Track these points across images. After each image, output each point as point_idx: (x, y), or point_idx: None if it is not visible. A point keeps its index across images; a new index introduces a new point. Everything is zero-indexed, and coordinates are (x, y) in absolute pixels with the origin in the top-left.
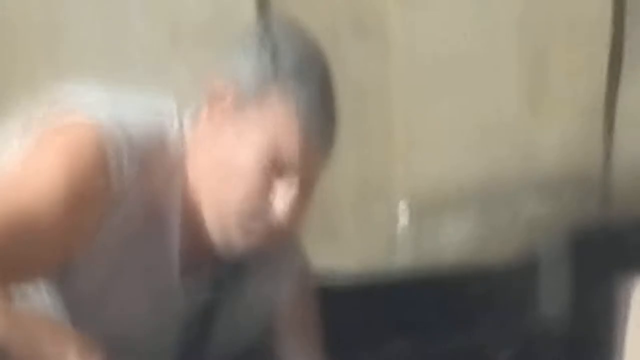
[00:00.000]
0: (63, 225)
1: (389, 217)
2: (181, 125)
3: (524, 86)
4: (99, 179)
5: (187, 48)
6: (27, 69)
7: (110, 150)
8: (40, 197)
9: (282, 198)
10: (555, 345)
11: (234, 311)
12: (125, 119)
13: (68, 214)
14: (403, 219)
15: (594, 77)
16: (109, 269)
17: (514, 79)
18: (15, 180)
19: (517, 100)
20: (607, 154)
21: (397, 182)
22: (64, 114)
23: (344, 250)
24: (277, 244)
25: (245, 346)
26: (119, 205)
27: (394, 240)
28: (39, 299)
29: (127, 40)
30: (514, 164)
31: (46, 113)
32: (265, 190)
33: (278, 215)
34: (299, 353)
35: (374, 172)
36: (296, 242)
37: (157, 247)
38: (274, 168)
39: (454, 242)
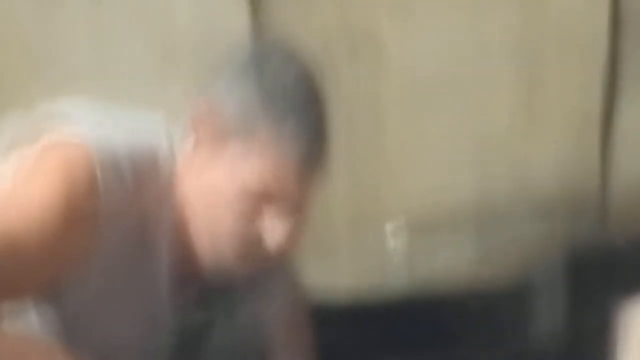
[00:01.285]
0: (52, 247)
1: (382, 238)
2: (172, 146)
3: (519, 105)
4: (89, 202)
5: (179, 66)
6: (17, 86)
7: (100, 172)
8: (30, 219)
9: (273, 227)
10: None
11: (225, 333)
12: (115, 140)
13: (57, 236)
14: (397, 240)
15: (590, 95)
16: (98, 291)
17: (508, 97)
18: (6, 199)
19: (512, 119)
20: (603, 173)
21: (390, 202)
22: (54, 134)
23: (337, 270)
24: (269, 266)
25: None
26: (109, 227)
27: (388, 261)
28: (28, 318)
29: (119, 58)
30: (508, 183)
31: (36, 132)
32: (254, 219)
33: (269, 243)
34: None
35: (368, 192)
36: (288, 263)
37: (146, 269)
38: (263, 198)
39: (448, 263)
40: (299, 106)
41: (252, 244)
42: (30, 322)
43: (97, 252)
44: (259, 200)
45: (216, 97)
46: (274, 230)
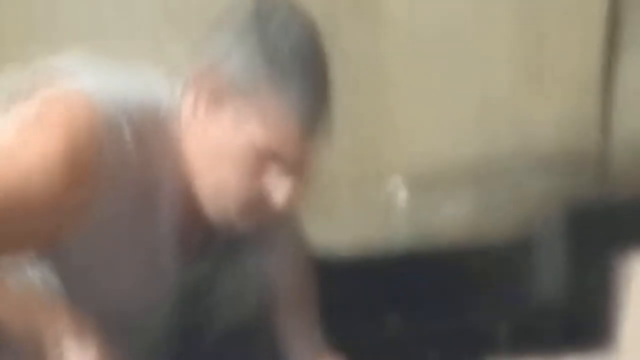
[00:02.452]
0: (54, 201)
1: (385, 194)
2: (174, 101)
3: (521, 63)
4: (91, 155)
5: (180, 24)
6: (17, 44)
7: (104, 125)
8: (35, 172)
9: (277, 184)
10: (552, 320)
11: (230, 286)
12: (119, 94)
13: (60, 189)
14: (399, 196)
15: (591, 53)
16: (101, 245)
17: (510, 55)
18: (8, 153)
19: (513, 77)
20: (604, 130)
21: (393, 159)
22: (57, 87)
23: (340, 227)
24: (274, 221)
25: (242, 321)
26: (112, 180)
27: (391, 217)
28: (32, 273)
29: (122, 16)
30: (510, 140)
31: (39, 86)
32: (257, 176)
33: (272, 200)
34: (296, 327)
35: (371, 149)
36: (293, 218)
37: (152, 222)
38: (266, 155)
39: (450, 219)
40: (301, 64)
41: (254, 201)
42: (32, 277)
43: (99, 206)
44: (262, 157)
45: (218, 55)
46: (276, 187)
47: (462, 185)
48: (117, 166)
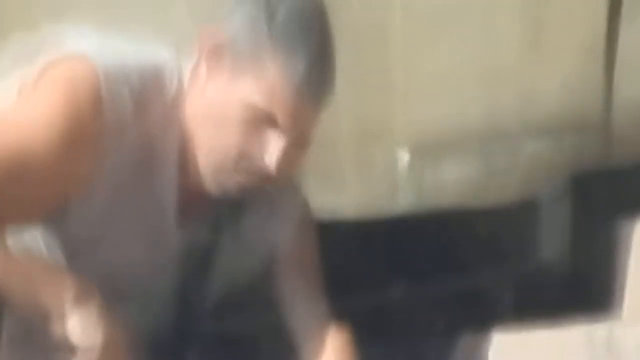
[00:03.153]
0: (57, 166)
1: (389, 160)
2: (177, 67)
3: (524, 28)
4: (94, 120)
5: None
6: (20, 10)
7: (106, 90)
8: (36, 137)
9: (272, 149)
10: (556, 286)
11: (232, 251)
12: (121, 60)
13: (64, 153)
14: (403, 161)
15: (594, 19)
16: (103, 211)
17: (513, 21)
18: (10, 119)
19: (517, 43)
20: (608, 96)
21: (397, 124)
22: (59, 54)
23: (344, 192)
24: (274, 186)
25: (244, 286)
26: (114, 146)
27: (394, 183)
28: (34, 239)
29: None
30: (514, 105)
31: (42, 51)
32: (252, 137)
33: (268, 165)
34: (298, 293)
35: (374, 114)
36: (295, 184)
37: (152, 188)
38: (262, 116)
39: (454, 183)
40: (302, 28)
41: (247, 162)
42: (35, 243)
43: (102, 171)
44: (257, 118)
45: (225, 22)
46: (269, 149)
47: (465, 149)
48: (118, 130)
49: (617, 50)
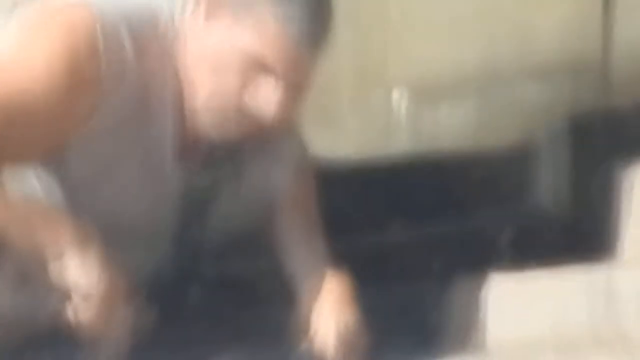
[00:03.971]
0: (56, 108)
1: (386, 103)
2: (173, 12)
3: None
4: (92, 62)
5: None
6: None
7: (103, 33)
8: (36, 79)
9: (270, 97)
10: (554, 230)
11: (232, 195)
12: (119, 4)
13: (61, 97)
14: (400, 105)
15: None
16: (104, 152)
17: None
18: (9, 61)
19: None
20: (606, 36)
21: (394, 68)
22: None
23: (341, 136)
24: (273, 132)
25: (245, 229)
26: (114, 87)
27: (392, 124)
28: (34, 184)
29: None
30: (511, 47)
31: None
32: (250, 85)
33: (265, 112)
34: (298, 236)
35: (371, 59)
36: (294, 128)
37: (150, 133)
38: (260, 65)
39: (452, 128)
40: None
41: (245, 110)
42: (33, 188)
43: (101, 113)
44: (255, 66)
45: None
46: (267, 98)
47: (462, 92)
48: (117, 73)
49: None
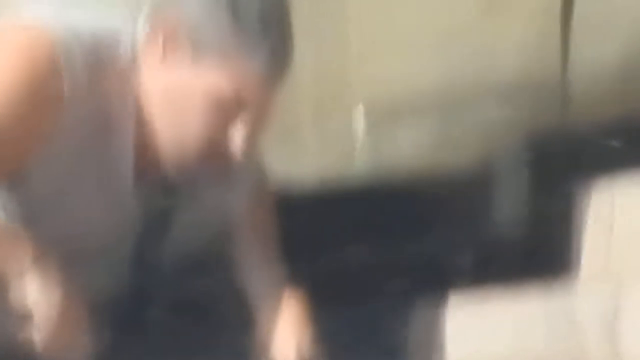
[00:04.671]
0: (16, 127)
1: (346, 123)
2: (133, 35)
3: None
4: (52, 82)
5: None
6: None
7: (62, 54)
8: None
9: (239, 134)
10: (513, 251)
11: (189, 216)
12: (77, 26)
13: (21, 116)
14: (361, 125)
15: None
16: (61, 175)
17: None
18: None
19: (474, 4)
20: (565, 57)
21: (354, 88)
22: (16, 20)
23: (302, 155)
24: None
25: (203, 251)
26: (73, 109)
27: (352, 146)
28: None
29: None
30: (471, 69)
31: None
32: (218, 123)
33: (233, 146)
34: (257, 258)
35: (332, 78)
36: (254, 153)
37: (111, 153)
38: (228, 103)
39: (412, 148)
40: (268, 13)
41: (213, 147)
42: None
43: (60, 135)
44: (223, 105)
45: (186, 8)
46: (236, 134)
47: (423, 115)
48: (77, 93)
49: (573, 11)
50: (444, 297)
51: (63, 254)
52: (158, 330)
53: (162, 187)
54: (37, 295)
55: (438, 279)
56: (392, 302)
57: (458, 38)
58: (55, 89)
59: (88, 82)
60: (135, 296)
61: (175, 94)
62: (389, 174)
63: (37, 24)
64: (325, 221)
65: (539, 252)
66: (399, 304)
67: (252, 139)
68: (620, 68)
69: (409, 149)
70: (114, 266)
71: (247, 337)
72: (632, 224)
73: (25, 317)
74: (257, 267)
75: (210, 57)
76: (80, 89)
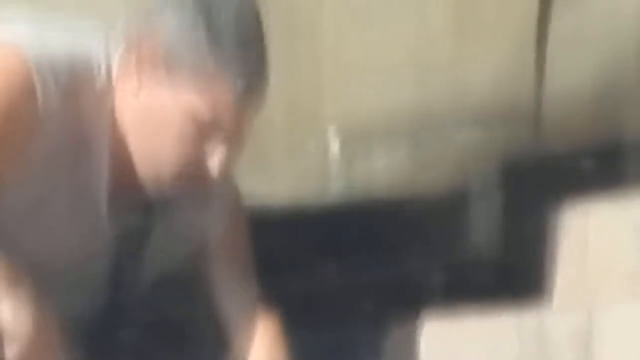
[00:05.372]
0: None
1: (320, 147)
2: (109, 56)
3: (455, 17)
4: (26, 103)
5: None
6: None
7: (35, 75)
8: None
9: (214, 151)
10: (487, 273)
11: (163, 237)
12: (51, 44)
13: None
14: (334, 147)
15: (526, 8)
16: (35, 197)
17: (445, 9)
18: None
19: (448, 31)
20: (539, 85)
21: (327, 110)
22: None
23: (275, 179)
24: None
25: (177, 271)
26: (46, 130)
27: (325, 170)
28: None
29: None
30: (444, 94)
31: None
32: (195, 144)
33: (210, 167)
34: (230, 278)
35: (305, 102)
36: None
37: (84, 176)
38: (205, 124)
39: (385, 170)
40: (244, 36)
41: (190, 168)
42: None
43: (34, 156)
44: (200, 126)
45: (155, 18)
46: (213, 155)
47: (396, 137)
48: (51, 115)
49: (548, 41)
50: (418, 317)
51: (37, 274)
52: (132, 350)
53: (137, 207)
54: (10, 316)
55: (412, 300)
56: (367, 322)
57: (431, 66)
58: (29, 109)
59: (63, 103)
60: (109, 316)
61: (151, 114)
62: (362, 196)
63: (11, 44)
64: (299, 242)
65: (513, 272)
66: (372, 326)
67: (227, 161)
68: (594, 89)
69: (383, 171)
70: (88, 286)
71: (222, 357)
72: (606, 244)
73: None
74: (231, 288)
75: (186, 78)
76: (55, 110)
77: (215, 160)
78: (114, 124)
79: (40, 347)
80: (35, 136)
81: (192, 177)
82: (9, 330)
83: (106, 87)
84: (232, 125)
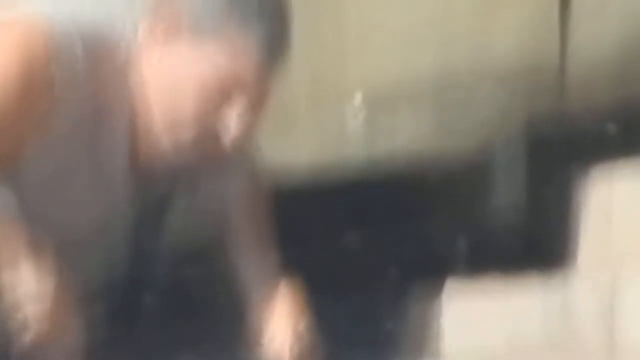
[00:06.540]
0: (13, 115)
1: (343, 111)
2: (132, 28)
3: None
4: (49, 71)
5: None
6: None
7: (59, 43)
8: None
9: (235, 115)
10: (512, 239)
11: (185, 204)
12: (75, 16)
13: (15, 106)
14: (357, 113)
15: None
16: (57, 163)
17: None
18: None
19: None
20: (563, 41)
21: (351, 76)
22: (14, 11)
23: (298, 144)
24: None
25: (198, 238)
26: (67, 99)
27: (348, 131)
28: None
29: None
30: (467, 52)
31: None
32: (216, 108)
33: (230, 131)
34: (251, 246)
35: (328, 66)
36: (248, 145)
37: (106, 142)
38: (227, 88)
39: (409, 133)
40: (263, 4)
41: (212, 133)
42: None
43: (55, 124)
44: (222, 89)
45: None
46: (234, 119)
47: (421, 102)
48: (70, 85)
49: (572, 5)
50: (441, 284)
51: (57, 243)
52: (152, 318)
53: (158, 175)
54: (31, 285)
55: (434, 267)
56: (388, 290)
57: (455, 23)
58: (52, 79)
59: (86, 70)
60: (130, 284)
61: (175, 78)
62: (386, 162)
63: (34, 14)
64: (322, 209)
65: (536, 238)
66: (395, 293)
67: (249, 125)
68: (618, 52)
69: (407, 136)
70: (108, 255)
71: (242, 325)
72: (631, 210)
73: (16, 304)
74: (252, 256)
75: (210, 42)
76: (78, 77)
77: (235, 124)
78: (136, 90)
79: (60, 315)
80: (57, 104)
81: (213, 143)
82: (30, 298)
83: (130, 52)
84: (254, 88)
